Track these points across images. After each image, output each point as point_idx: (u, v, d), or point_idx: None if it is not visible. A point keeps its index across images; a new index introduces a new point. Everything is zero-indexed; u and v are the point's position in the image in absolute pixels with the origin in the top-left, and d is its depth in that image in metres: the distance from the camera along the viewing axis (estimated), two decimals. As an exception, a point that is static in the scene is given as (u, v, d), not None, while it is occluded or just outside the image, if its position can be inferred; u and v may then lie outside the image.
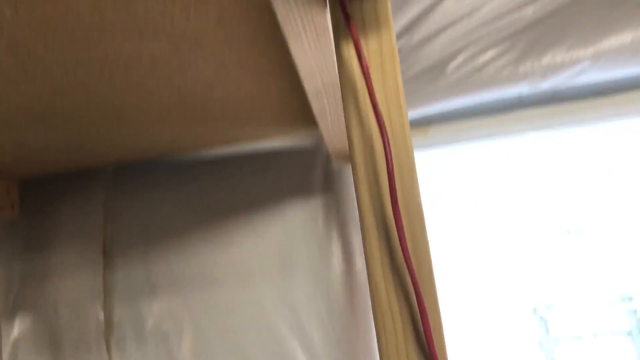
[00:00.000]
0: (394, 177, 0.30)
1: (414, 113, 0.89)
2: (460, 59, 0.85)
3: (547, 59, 0.84)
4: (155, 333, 0.81)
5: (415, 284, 0.29)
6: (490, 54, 0.85)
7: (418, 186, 0.30)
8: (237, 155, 0.86)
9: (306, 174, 0.84)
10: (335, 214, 0.83)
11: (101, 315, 0.82)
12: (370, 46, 0.33)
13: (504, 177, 1.00)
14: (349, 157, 0.33)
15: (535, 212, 0.99)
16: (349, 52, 0.34)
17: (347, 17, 0.34)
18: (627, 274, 0.96)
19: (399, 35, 0.84)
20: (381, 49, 0.33)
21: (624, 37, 0.81)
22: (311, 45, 0.40)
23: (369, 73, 0.32)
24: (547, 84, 0.86)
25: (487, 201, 1.00)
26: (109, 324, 0.82)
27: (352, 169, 0.32)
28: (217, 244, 0.83)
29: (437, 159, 1.00)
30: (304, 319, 0.80)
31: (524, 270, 0.99)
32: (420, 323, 0.30)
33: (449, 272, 0.97)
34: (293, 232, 0.83)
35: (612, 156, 1.01)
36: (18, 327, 0.82)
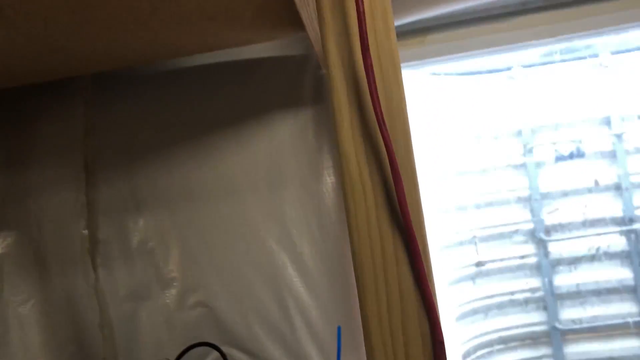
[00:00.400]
0: (364, 19, 0.26)
1: (408, 20, 0.84)
2: (459, -45, 0.79)
3: (553, -46, 0.78)
4: (141, 249, 0.79)
5: (386, 141, 0.26)
6: (492, -51, 0.78)
7: (393, 31, 0.26)
8: (222, 64, 0.81)
9: (295, 83, 0.80)
10: (326, 125, 0.79)
11: (85, 232, 0.80)
12: None
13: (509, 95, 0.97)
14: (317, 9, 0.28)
15: (536, 134, 0.97)
16: None
17: None
18: (628, 196, 0.95)
19: None
20: None
21: None
22: None
23: None
24: (552, -16, 0.80)
25: (488, 121, 0.97)
26: (94, 240, 0.80)
27: (319, 19, 0.28)
28: (203, 157, 0.80)
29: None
30: (294, 233, 0.78)
31: (523, 194, 0.97)
32: (393, 190, 0.26)
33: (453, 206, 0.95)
34: (282, 144, 0.79)
35: (625, 70, 0.96)
36: (1, 245, 0.80)
